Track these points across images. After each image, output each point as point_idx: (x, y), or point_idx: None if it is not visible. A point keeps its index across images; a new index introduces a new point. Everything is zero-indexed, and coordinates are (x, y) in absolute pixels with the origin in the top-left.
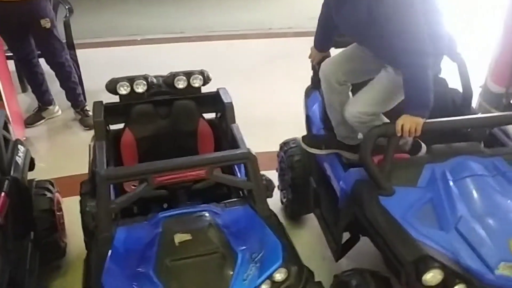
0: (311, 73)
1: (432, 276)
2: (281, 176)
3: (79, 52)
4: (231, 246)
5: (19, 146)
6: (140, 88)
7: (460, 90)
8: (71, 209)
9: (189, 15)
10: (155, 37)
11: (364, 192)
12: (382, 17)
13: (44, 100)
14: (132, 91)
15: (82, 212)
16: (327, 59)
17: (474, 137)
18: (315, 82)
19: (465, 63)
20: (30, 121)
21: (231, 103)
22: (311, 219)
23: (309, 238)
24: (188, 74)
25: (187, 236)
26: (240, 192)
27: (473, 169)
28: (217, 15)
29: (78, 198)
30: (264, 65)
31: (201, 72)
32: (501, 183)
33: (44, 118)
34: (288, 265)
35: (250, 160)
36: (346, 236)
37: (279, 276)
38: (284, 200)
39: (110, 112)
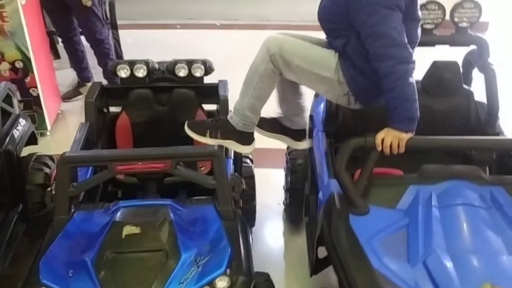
0: None
1: None
2: (286, 177)
3: (131, 32)
4: (178, 246)
5: (21, 120)
6: (140, 72)
7: None
8: None
9: (245, 3)
10: (208, 23)
11: (335, 207)
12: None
13: (83, 77)
14: (132, 74)
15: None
16: (284, 32)
17: (479, 161)
18: None
19: (495, 75)
20: (67, 96)
21: (226, 96)
22: None
23: (304, 246)
24: (190, 63)
25: (136, 229)
26: None
27: (465, 197)
28: (274, 5)
29: None
30: None
31: (203, 62)
32: (495, 218)
33: (82, 94)
34: (233, 275)
35: (215, 158)
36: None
37: (221, 283)
38: (285, 203)
39: (109, 94)
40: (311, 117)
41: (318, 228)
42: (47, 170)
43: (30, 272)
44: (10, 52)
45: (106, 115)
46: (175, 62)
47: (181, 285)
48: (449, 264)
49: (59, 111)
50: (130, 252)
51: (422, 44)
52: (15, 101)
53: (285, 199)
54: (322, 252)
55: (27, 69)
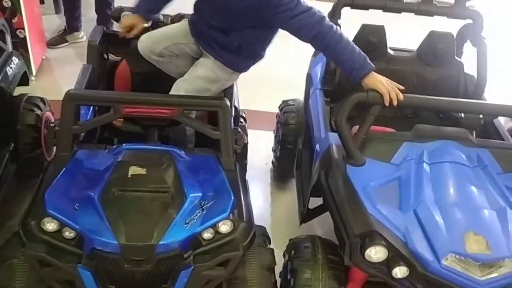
0: None
1: (376, 252)
2: (276, 137)
3: None
4: (183, 189)
5: (14, 58)
6: None
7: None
8: None
9: None
10: None
11: (333, 157)
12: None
13: (72, 26)
14: None
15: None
16: (146, 33)
17: (467, 125)
18: None
19: (486, 49)
20: (53, 42)
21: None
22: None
23: (290, 204)
24: None
25: (141, 170)
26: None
27: (454, 156)
28: None
29: None
30: None
31: None
32: (479, 176)
33: (67, 42)
34: (235, 220)
35: (222, 109)
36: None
37: (224, 227)
38: (273, 160)
39: (111, 40)
40: (308, 75)
41: (313, 178)
42: (38, 111)
43: (33, 204)
44: None
45: (106, 61)
46: (182, 16)
47: (186, 225)
48: (437, 214)
49: (44, 57)
50: (136, 191)
51: (421, 13)
52: (8, 38)
53: (275, 154)
54: (312, 203)
55: (15, 8)
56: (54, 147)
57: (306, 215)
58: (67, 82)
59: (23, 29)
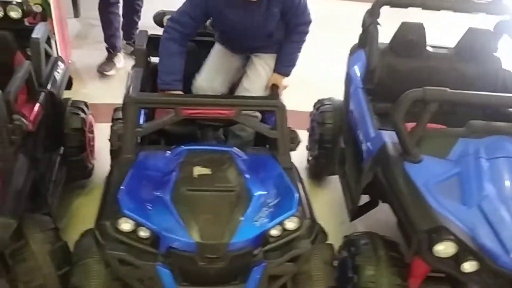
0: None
1: (445, 248)
2: (311, 136)
3: None
4: (248, 188)
5: (59, 62)
6: None
7: None
8: (103, 134)
9: None
10: None
11: (390, 155)
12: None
13: (116, 46)
14: None
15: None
16: (198, 78)
17: None
18: (363, 41)
19: None
20: (105, 69)
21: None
22: (334, 182)
23: (329, 201)
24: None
25: (206, 170)
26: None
27: (509, 151)
28: None
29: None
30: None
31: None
32: None
33: (115, 64)
34: (301, 216)
35: (279, 109)
36: (365, 199)
37: (290, 224)
38: (310, 159)
39: (154, 44)
40: (347, 74)
41: (367, 175)
42: (83, 115)
43: (105, 205)
44: None
45: (149, 63)
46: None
47: (256, 223)
48: (502, 208)
49: (70, 61)
50: (203, 191)
51: (459, 10)
52: (53, 43)
53: (312, 152)
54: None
55: (46, 13)
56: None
57: (357, 211)
58: (91, 85)
59: (54, 33)
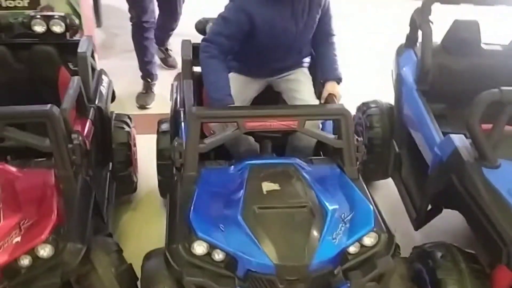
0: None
1: None
2: (361, 134)
3: None
4: (321, 202)
5: (103, 76)
6: None
7: None
8: (142, 147)
9: None
10: None
11: (466, 161)
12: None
13: (153, 74)
14: None
15: (159, 149)
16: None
17: None
18: (411, 40)
19: None
20: (146, 102)
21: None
22: (383, 188)
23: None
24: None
25: (275, 186)
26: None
27: None
28: None
29: (149, 136)
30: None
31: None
32: None
33: (154, 92)
34: (379, 231)
35: (344, 117)
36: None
37: (369, 240)
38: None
39: (197, 53)
40: (398, 75)
41: (435, 183)
42: (128, 129)
43: (174, 227)
44: (60, 7)
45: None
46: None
47: (334, 240)
48: None
49: None
50: (275, 208)
51: (446, 2)
52: (96, 57)
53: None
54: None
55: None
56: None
57: (423, 220)
58: (126, 96)
59: None
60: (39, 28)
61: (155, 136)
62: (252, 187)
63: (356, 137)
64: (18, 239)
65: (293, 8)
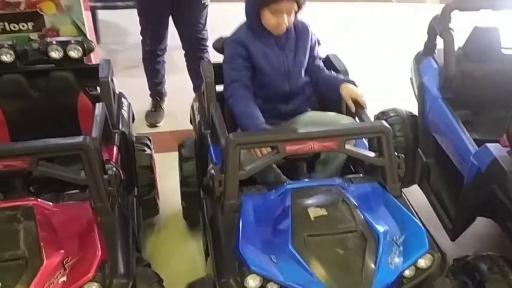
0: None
1: None
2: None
3: None
4: (370, 225)
5: (123, 99)
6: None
7: None
8: (158, 166)
9: None
10: None
11: (507, 171)
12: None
13: (162, 93)
14: None
15: (184, 176)
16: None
17: None
18: (429, 48)
19: None
20: (157, 120)
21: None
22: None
23: None
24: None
25: (322, 211)
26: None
27: None
28: None
29: (163, 154)
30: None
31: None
32: None
33: (163, 109)
34: (433, 252)
35: (385, 134)
36: None
37: (423, 262)
38: None
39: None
40: (422, 84)
41: (475, 194)
42: (149, 151)
43: (223, 260)
44: (65, 28)
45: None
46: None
47: (390, 265)
48: None
49: None
50: (325, 235)
51: (465, 9)
52: (115, 80)
53: None
54: None
55: None
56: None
57: (460, 230)
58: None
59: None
60: (56, 54)
61: (170, 154)
62: (298, 214)
63: (397, 154)
64: (64, 278)
65: (277, 39)
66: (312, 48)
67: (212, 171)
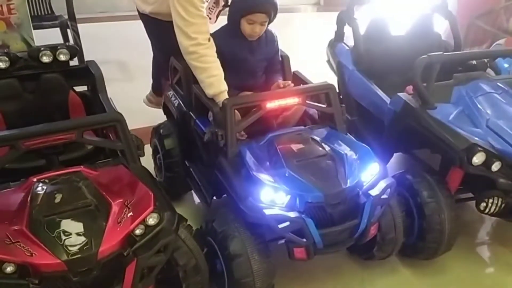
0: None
1: (479, 157)
2: None
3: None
4: (335, 150)
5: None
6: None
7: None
8: None
9: None
10: None
11: (415, 108)
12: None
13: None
14: None
15: (168, 150)
16: None
17: (479, 69)
18: (340, 36)
19: (456, 19)
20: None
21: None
22: None
23: None
24: (54, 48)
25: (300, 146)
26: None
27: (486, 89)
28: None
29: None
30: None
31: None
32: (506, 98)
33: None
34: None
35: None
36: None
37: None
38: None
39: None
40: (339, 62)
41: (394, 129)
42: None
43: (240, 187)
44: (16, 44)
45: None
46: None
47: (356, 171)
48: (501, 123)
49: None
50: (308, 159)
51: (361, 3)
52: None
53: None
54: None
55: None
56: None
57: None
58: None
59: None
60: (47, 58)
61: None
62: (285, 150)
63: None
64: (131, 213)
65: (249, 43)
66: (276, 53)
67: (214, 129)
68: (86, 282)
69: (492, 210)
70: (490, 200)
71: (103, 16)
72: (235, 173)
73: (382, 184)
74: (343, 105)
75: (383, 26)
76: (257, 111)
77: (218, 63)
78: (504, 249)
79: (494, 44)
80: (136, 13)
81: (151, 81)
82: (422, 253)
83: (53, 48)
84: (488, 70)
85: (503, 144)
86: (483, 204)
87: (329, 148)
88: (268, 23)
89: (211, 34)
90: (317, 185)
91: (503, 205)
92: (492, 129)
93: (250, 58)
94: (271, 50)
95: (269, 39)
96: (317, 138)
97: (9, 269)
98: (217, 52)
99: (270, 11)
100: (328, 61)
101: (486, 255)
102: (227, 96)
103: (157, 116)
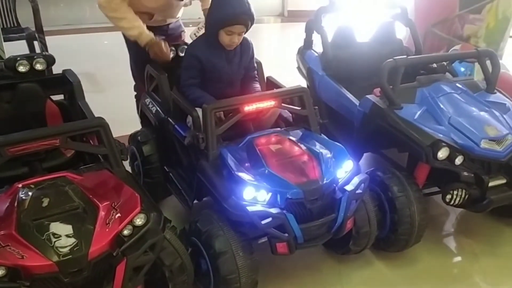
0: None
1: (443, 152)
2: None
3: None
4: (310, 150)
5: None
6: None
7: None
8: None
9: None
10: None
11: (383, 108)
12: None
13: None
14: None
15: (146, 156)
16: None
17: (440, 71)
18: (309, 43)
19: (415, 26)
20: None
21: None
22: None
23: None
24: (30, 58)
25: (278, 146)
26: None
27: (447, 89)
28: None
29: None
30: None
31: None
32: (465, 98)
33: None
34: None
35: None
36: None
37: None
38: None
39: None
40: (309, 68)
41: (364, 129)
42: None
43: (223, 188)
44: None
45: None
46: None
47: (331, 169)
48: (462, 121)
49: None
50: (285, 158)
51: (330, 11)
52: None
53: None
54: None
55: None
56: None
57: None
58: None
59: None
60: (24, 68)
61: None
62: (263, 151)
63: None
64: (119, 214)
65: (227, 53)
66: (251, 59)
67: (194, 133)
68: (77, 283)
69: (457, 202)
70: (455, 192)
71: (68, 28)
72: (217, 174)
73: (356, 180)
74: (316, 107)
75: (349, 33)
76: (236, 114)
77: (133, 13)
78: (468, 240)
79: (451, 50)
80: (101, 25)
81: (120, 91)
82: (394, 245)
83: (30, 58)
84: (447, 74)
85: (464, 139)
86: (449, 196)
87: (305, 148)
88: (245, 33)
89: (188, 45)
90: (296, 182)
91: (466, 196)
92: (454, 126)
93: (228, 68)
94: (247, 57)
95: (245, 47)
96: (294, 139)
97: (0, 272)
98: (196, 61)
99: (248, 22)
100: (298, 68)
101: (452, 246)
102: (150, 37)
103: (131, 125)
